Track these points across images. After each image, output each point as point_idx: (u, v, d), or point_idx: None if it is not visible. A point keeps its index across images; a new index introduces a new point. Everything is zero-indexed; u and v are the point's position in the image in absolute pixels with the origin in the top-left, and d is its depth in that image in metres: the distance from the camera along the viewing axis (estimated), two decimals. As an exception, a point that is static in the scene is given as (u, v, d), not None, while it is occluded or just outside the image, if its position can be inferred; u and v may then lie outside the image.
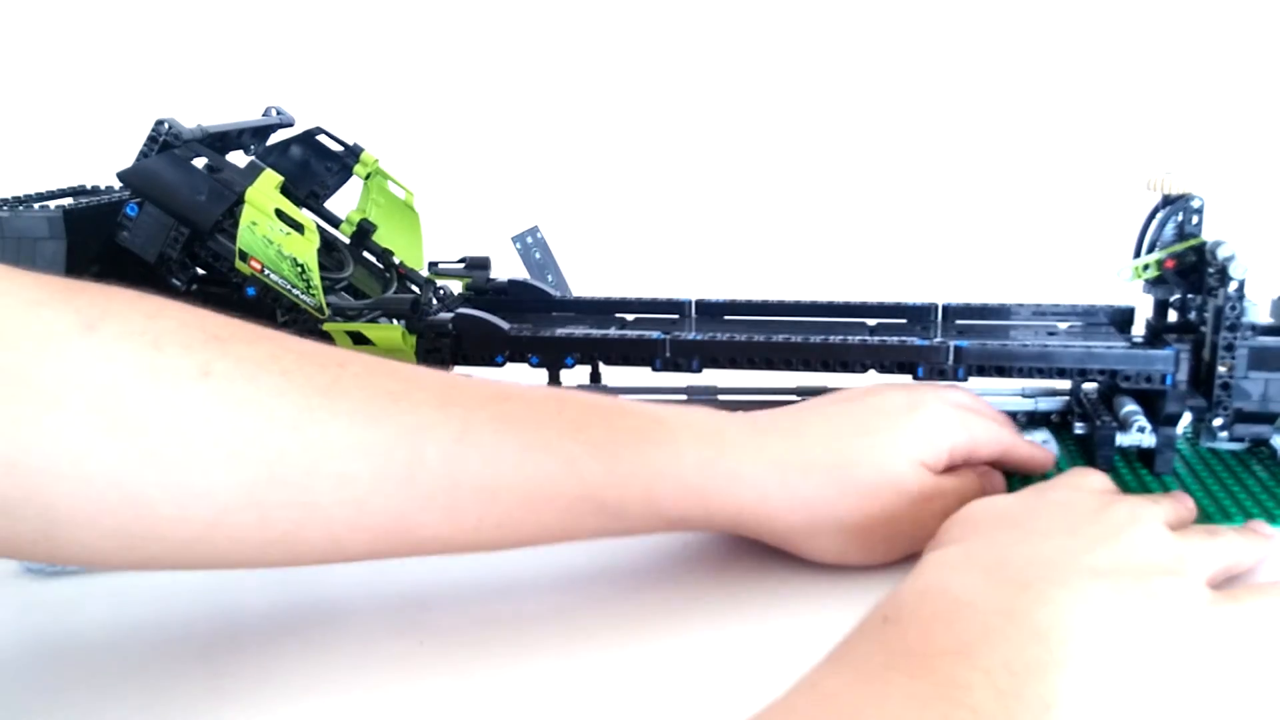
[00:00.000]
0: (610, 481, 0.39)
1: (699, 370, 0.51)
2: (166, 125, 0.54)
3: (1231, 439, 0.50)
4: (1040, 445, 0.49)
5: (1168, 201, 0.50)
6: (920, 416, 0.44)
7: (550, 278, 0.63)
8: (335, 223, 0.61)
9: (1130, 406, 0.51)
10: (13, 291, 0.33)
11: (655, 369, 0.51)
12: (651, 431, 0.40)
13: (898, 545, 0.43)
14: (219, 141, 0.57)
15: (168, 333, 0.34)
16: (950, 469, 0.45)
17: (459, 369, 0.54)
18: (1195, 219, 0.49)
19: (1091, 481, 0.43)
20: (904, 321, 0.55)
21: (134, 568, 0.37)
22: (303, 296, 0.53)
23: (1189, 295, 0.51)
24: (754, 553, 0.45)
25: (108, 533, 0.34)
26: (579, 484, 0.39)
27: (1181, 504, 0.44)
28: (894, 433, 0.43)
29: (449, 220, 0.69)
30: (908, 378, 0.50)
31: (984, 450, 0.46)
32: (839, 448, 0.42)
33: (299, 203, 0.60)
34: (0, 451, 0.31)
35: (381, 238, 0.61)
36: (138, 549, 0.34)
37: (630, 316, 0.58)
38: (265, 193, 0.52)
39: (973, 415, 0.46)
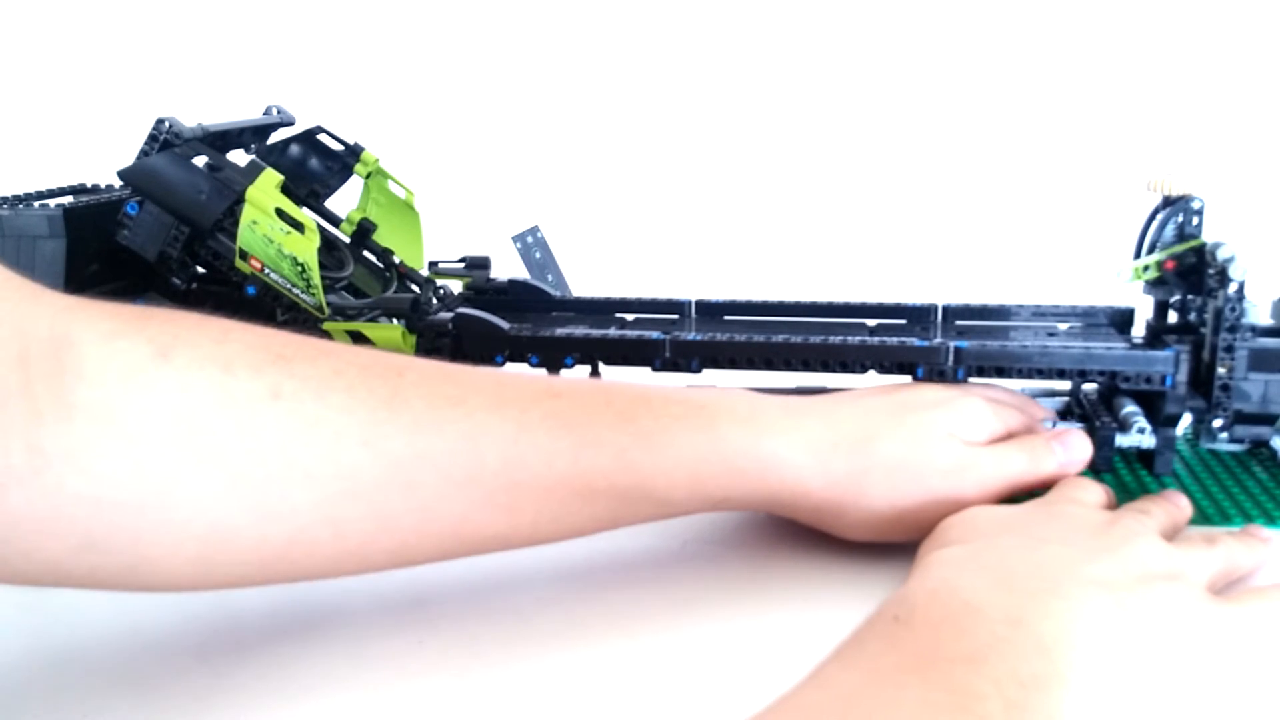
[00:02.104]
0: (659, 469, 0.40)
1: (699, 370, 0.51)
2: (167, 124, 0.54)
3: (1231, 440, 0.50)
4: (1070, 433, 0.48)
5: (1168, 202, 0.50)
6: (954, 406, 0.45)
7: (550, 277, 0.63)
8: (335, 222, 0.61)
9: (1130, 407, 0.51)
10: (89, 323, 0.33)
11: (655, 369, 0.51)
12: (695, 418, 0.41)
13: (936, 521, 0.42)
14: (219, 140, 0.57)
15: (236, 356, 0.35)
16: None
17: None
18: (1195, 220, 0.49)
19: (1089, 495, 0.43)
20: (904, 322, 0.55)
21: (212, 589, 0.38)
22: (303, 295, 0.53)
23: (1189, 296, 0.51)
24: (753, 546, 0.46)
25: (191, 560, 0.34)
26: (630, 474, 0.40)
27: (1174, 505, 0.44)
28: (925, 414, 0.44)
29: (449, 220, 0.69)
30: (907, 378, 0.50)
31: (1018, 435, 0.46)
32: (870, 426, 0.43)
33: (299, 202, 0.60)
34: (87, 488, 0.32)
35: (382, 237, 0.61)
36: (219, 573, 0.35)
37: (630, 316, 0.58)
38: (266, 191, 0.52)
39: (1004, 407, 0.47)
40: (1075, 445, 0.46)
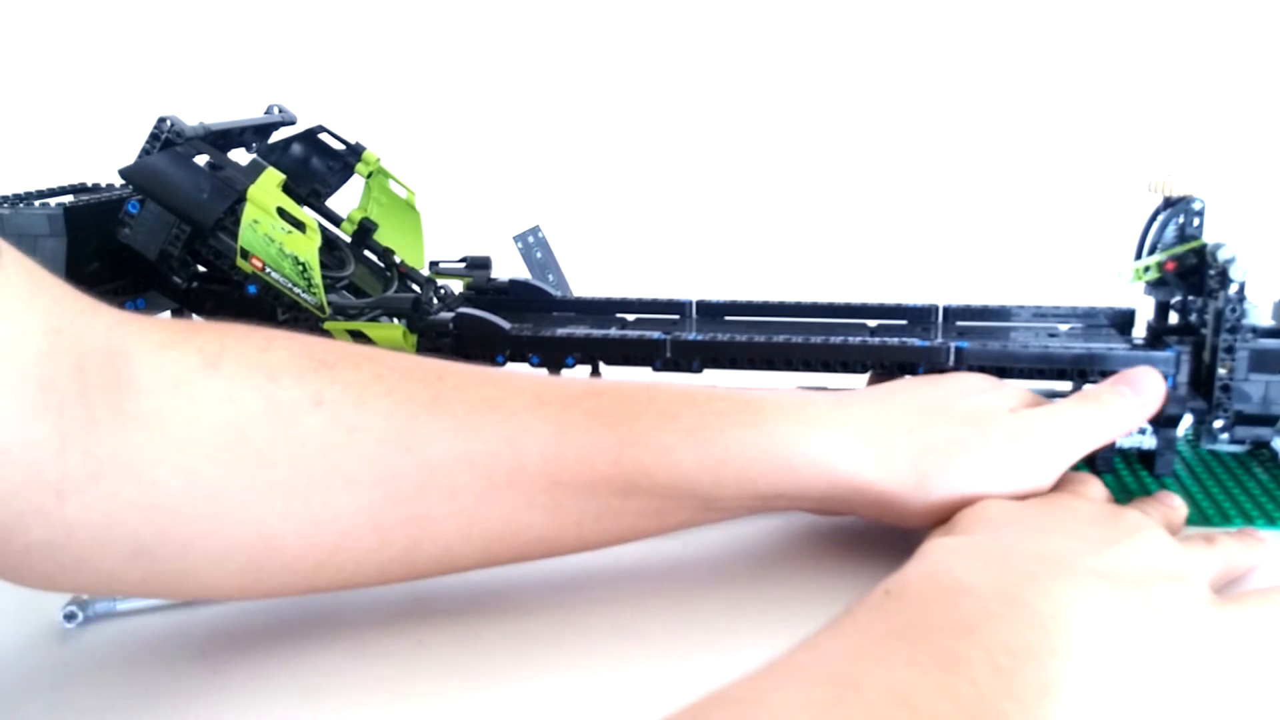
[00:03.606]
0: (705, 467, 0.39)
1: (699, 371, 0.51)
2: (169, 123, 0.54)
3: (1232, 441, 0.50)
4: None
5: (1169, 203, 0.50)
6: (1004, 390, 0.44)
7: (551, 277, 0.63)
8: (337, 221, 0.61)
9: (1130, 408, 0.51)
10: (142, 335, 0.34)
11: (656, 369, 0.51)
12: (740, 413, 0.40)
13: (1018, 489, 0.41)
14: (221, 139, 0.57)
15: (280, 364, 0.35)
16: None
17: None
18: (1196, 221, 0.49)
19: (1094, 491, 0.43)
20: (905, 323, 0.55)
21: (261, 597, 0.39)
22: (304, 295, 0.53)
23: (1189, 297, 0.51)
24: (755, 546, 0.46)
25: (240, 567, 0.35)
26: (674, 473, 0.39)
27: (1169, 506, 0.44)
28: (977, 399, 0.43)
29: (450, 219, 0.69)
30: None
31: None
32: (924, 413, 0.42)
33: (301, 201, 0.60)
34: (140, 496, 0.32)
35: (383, 236, 0.61)
36: (267, 580, 0.36)
37: (631, 317, 0.58)
38: (267, 191, 0.52)
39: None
40: (1145, 382, 0.44)
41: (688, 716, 0.27)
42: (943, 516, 0.41)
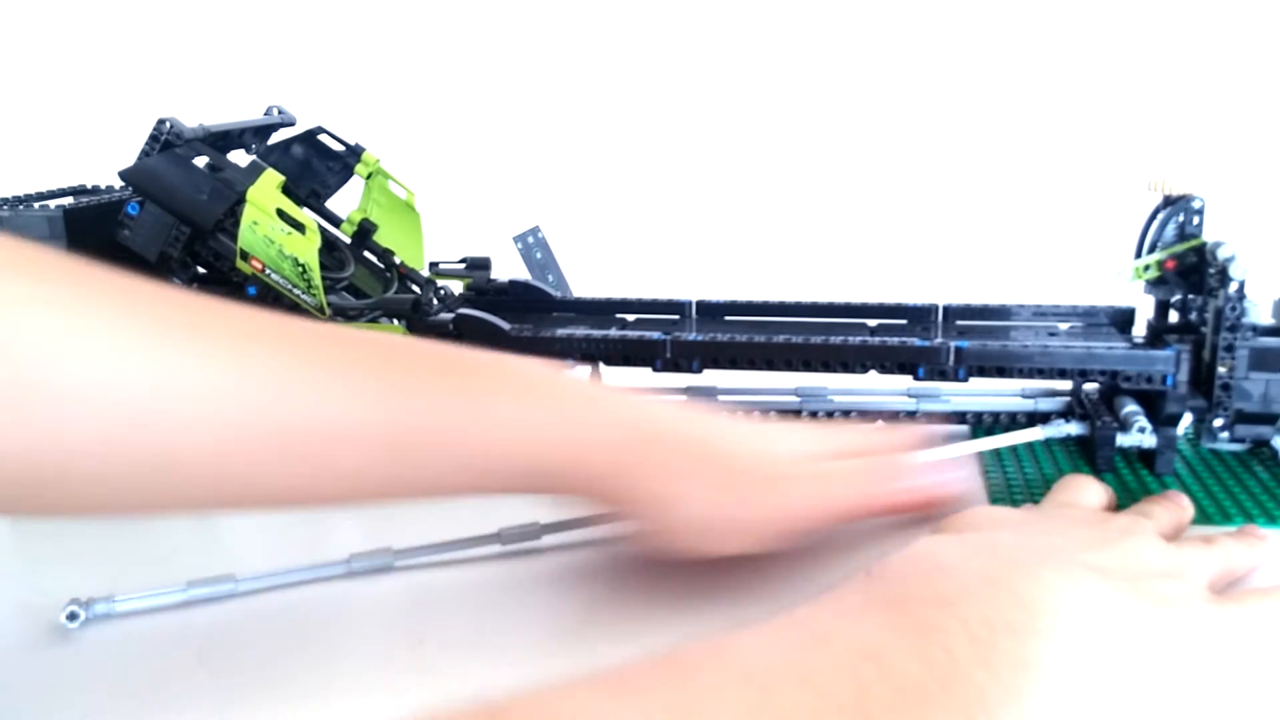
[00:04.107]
0: (469, 428, 0.36)
1: (699, 371, 0.51)
2: (168, 124, 0.54)
3: (1232, 440, 0.50)
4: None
5: (1169, 202, 0.50)
6: (775, 427, 0.43)
7: (551, 278, 0.63)
8: (336, 222, 0.62)
9: (1131, 407, 0.51)
10: None
11: (656, 369, 0.52)
12: (516, 381, 0.38)
13: (769, 522, 0.40)
14: (220, 140, 0.57)
15: (17, 263, 0.32)
16: None
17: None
18: (1196, 219, 0.49)
19: (1088, 497, 0.43)
20: (904, 322, 0.55)
21: (30, 514, 0.36)
22: (303, 296, 0.53)
23: (1190, 296, 0.51)
24: (757, 555, 0.45)
25: None
26: (438, 430, 0.36)
27: (1177, 505, 0.44)
28: (768, 433, 0.41)
29: (450, 220, 0.69)
30: (908, 378, 0.50)
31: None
32: (700, 421, 0.40)
33: (300, 202, 0.61)
34: None
35: (382, 237, 0.61)
36: (16, 497, 0.32)
37: (631, 317, 0.58)
38: (267, 192, 0.52)
39: (848, 433, 0.44)
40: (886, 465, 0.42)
41: (664, 658, 0.27)
42: (706, 535, 0.39)
